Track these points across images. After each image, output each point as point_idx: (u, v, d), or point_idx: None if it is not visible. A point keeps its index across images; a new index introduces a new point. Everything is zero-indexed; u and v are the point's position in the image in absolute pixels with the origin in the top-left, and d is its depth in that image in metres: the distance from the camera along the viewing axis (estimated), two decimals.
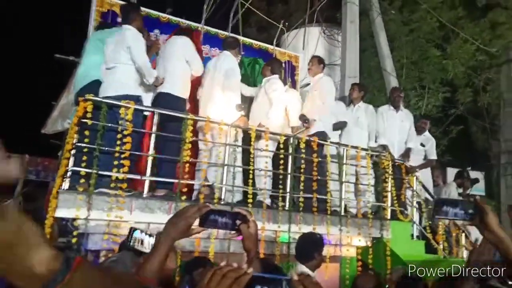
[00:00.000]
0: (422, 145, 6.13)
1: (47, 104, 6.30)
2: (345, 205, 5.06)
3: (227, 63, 4.64)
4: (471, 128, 10.40)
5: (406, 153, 5.73)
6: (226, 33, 6.36)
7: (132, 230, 1.35)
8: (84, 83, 4.11)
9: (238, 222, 1.26)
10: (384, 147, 5.58)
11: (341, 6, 7.52)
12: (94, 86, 4.02)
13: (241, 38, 6.64)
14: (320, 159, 4.82)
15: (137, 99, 4.02)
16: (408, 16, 9.55)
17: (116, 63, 3.98)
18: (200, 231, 1.25)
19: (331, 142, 5.10)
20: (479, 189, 8.27)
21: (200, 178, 4.20)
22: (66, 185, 3.52)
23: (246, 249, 1.30)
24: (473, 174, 7.89)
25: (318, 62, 5.49)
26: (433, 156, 6.21)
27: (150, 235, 1.35)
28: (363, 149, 5.21)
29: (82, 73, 4.21)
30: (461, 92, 9.79)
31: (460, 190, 6.80)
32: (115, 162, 3.64)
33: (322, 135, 5.02)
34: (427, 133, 6.36)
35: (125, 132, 3.70)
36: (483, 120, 9.79)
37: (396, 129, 5.82)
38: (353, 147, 5.12)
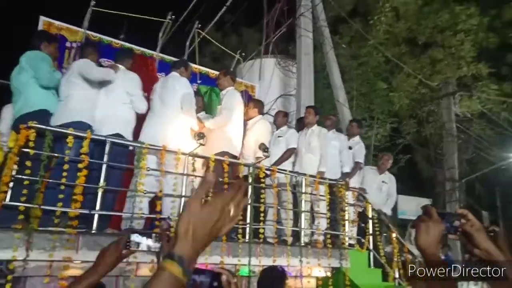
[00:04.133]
0: (350, 147, 5.92)
1: None
2: (297, 234, 4.94)
3: (178, 86, 4.40)
4: (417, 157, 10.96)
5: (344, 179, 5.54)
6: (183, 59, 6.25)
7: (130, 233, 1.30)
8: (27, 110, 3.76)
9: (215, 283, 1.13)
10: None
11: (295, 39, 7.77)
12: (40, 115, 3.68)
13: (198, 67, 6.59)
14: (282, 189, 4.75)
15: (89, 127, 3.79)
16: (356, 51, 10.09)
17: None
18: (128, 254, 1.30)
19: (290, 172, 5.06)
20: None
21: (130, 208, 3.89)
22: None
23: None
24: (422, 201, 8.22)
25: (223, 74, 5.10)
26: (358, 158, 5.88)
27: (148, 237, 1.29)
28: (321, 178, 5.20)
29: (27, 99, 3.84)
30: (406, 123, 10.37)
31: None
32: (61, 196, 3.32)
33: (223, 155, 4.45)
34: (357, 137, 6.11)
35: (80, 165, 3.41)
36: (428, 149, 10.38)
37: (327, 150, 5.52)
38: (311, 176, 5.11)
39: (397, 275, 5.46)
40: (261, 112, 5.55)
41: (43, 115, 3.70)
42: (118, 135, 3.93)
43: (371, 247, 5.62)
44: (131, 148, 4.14)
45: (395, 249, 5.64)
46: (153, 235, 1.30)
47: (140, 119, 4.40)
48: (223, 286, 1.14)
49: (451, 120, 10.23)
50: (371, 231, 5.68)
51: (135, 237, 1.28)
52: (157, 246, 1.28)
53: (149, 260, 3.46)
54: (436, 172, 10.34)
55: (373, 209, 5.83)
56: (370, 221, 5.70)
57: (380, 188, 6.15)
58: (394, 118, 10.39)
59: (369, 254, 5.58)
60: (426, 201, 8.33)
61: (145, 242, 1.29)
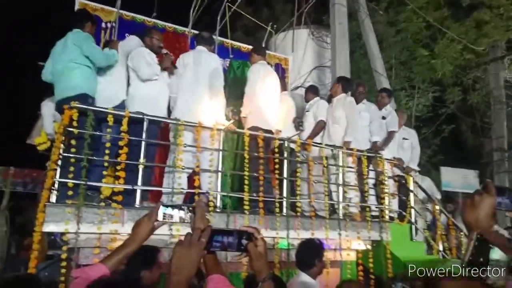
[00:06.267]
0: (383, 117, 5.77)
1: (34, 114, 6.02)
2: (335, 207, 4.89)
3: (212, 62, 4.42)
4: (462, 126, 10.44)
5: (374, 147, 5.43)
6: (213, 36, 6.22)
7: (160, 205, 1.39)
8: (68, 94, 3.83)
9: (244, 241, 1.20)
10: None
11: (329, 8, 7.47)
12: (80, 98, 3.72)
13: (229, 41, 6.55)
14: (318, 162, 4.70)
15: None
16: (394, 17, 9.59)
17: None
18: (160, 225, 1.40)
19: (326, 145, 4.98)
20: (473, 187, 8.23)
21: (170, 183, 3.95)
22: (53, 198, 3.33)
23: (256, 270, 1.20)
24: (467, 172, 7.86)
25: (252, 51, 5.08)
26: (391, 128, 5.73)
27: (180, 209, 1.38)
28: (358, 150, 5.09)
29: (69, 82, 3.95)
30: (450, 91, 9.84)
31: None
32: (104, 173, 3.49)
33: (255, 130, 4.43)
34: (388, 106, 5.94)
35: (120, 143, 3.53)
36: (474, 119, 9.84)
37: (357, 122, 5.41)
38: (348, 149, 5.01)
39: (441, 248, 5.32)
40: (283, 88, 5.46)
41: (84, 99, 3.76)
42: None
43: (412, 220, 5.49)
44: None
45: (438, 222, 5.48)
46: (185, 207, 1.36)
47: None
48: (253, 242, 1.17)
49: (500, 86, 9.59)
50: (412, 204, 5.55)
51: (166, 210, 1.36)
52: (190, 217, 1.33)
53: None
54: (483, 142, 9.81)
55: (415, 182, 5.67)
56: (411, 194, 5.56)
57: (402, 145, 5.99)
58: (437, 86, 9.86)
59: (410, 227, 5.47)
60: (472, 173, 7.91)
61: (177, 214, 1.35)
